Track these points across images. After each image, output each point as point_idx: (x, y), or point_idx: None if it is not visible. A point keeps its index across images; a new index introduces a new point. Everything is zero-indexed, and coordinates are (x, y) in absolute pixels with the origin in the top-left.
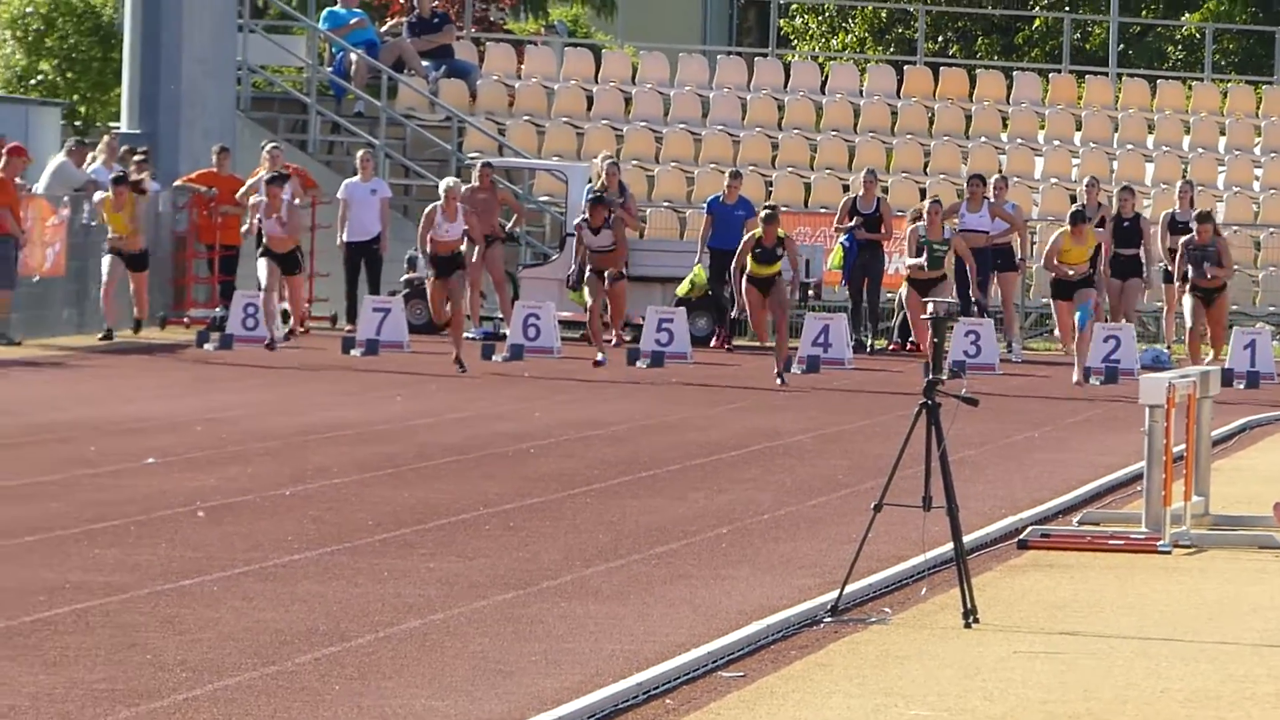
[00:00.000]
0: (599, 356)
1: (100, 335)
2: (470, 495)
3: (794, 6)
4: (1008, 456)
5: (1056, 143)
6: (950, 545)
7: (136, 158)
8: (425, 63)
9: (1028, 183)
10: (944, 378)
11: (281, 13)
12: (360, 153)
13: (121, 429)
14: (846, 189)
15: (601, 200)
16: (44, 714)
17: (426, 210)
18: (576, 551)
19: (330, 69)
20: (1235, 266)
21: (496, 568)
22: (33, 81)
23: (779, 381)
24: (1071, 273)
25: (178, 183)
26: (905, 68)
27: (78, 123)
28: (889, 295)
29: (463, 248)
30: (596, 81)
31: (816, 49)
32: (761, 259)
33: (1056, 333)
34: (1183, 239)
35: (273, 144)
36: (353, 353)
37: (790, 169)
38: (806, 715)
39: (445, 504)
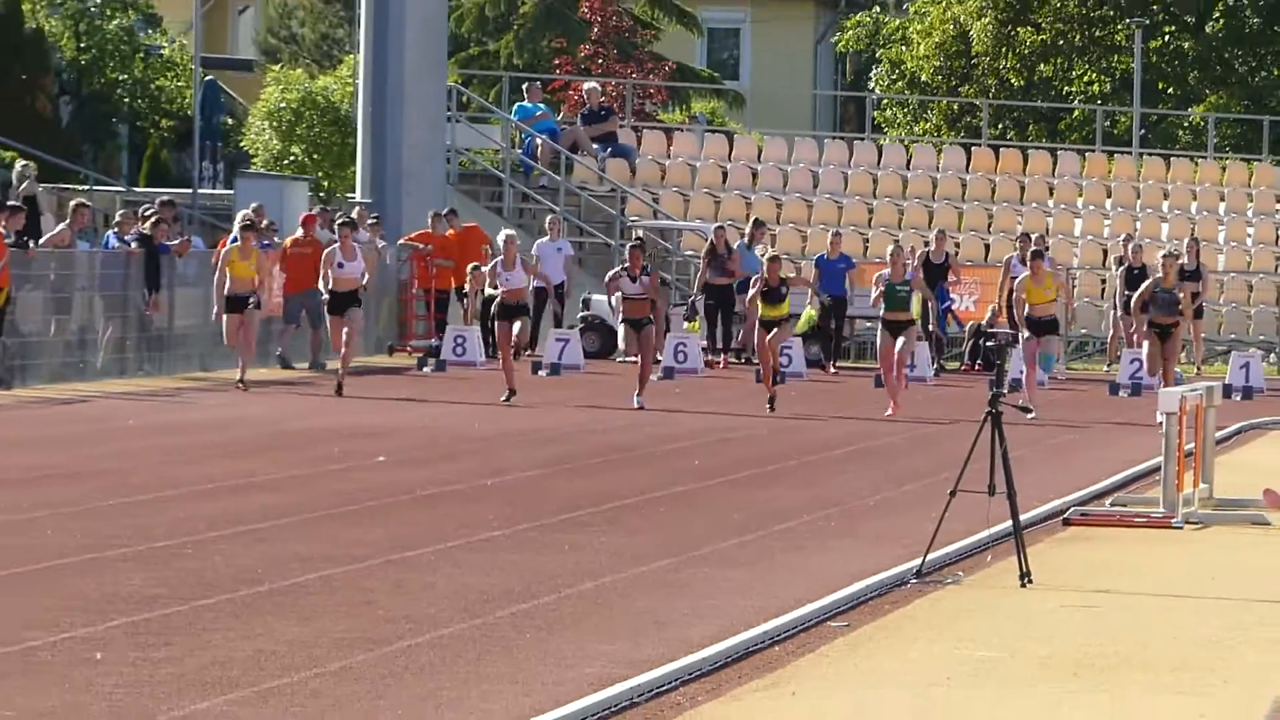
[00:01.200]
0: (638, 403)
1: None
2: (633, 485)
3: (884, 101)
4: (1054, 453)
5: (1091, 207)
6: (1009, 522)
7: (370, 221)
8: (595, 145)
9: (1069, 239)
10: (1004, 392)
11: (481, 106)
12: (549, 217)
13: (358, 434)
14: (926, 244)
15: (639, 247)
16: (298, 657)
17: (490, 265)
18: (716, 529)
19: (520, 151)
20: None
21: (654, 541)
22: (285, 161)
23: (769, 409)
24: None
25: (400, 241)
26: (972, 149)
27: (321, 194)
28: (959, 326)
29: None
30: (730, 160)
31: (902, 134)
32: (769, 298)
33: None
34: (1147, 281)
35: (508, 232)
36: (540, 373)
37: (882, 229)
38: (897, 656)
39: (613, 491)
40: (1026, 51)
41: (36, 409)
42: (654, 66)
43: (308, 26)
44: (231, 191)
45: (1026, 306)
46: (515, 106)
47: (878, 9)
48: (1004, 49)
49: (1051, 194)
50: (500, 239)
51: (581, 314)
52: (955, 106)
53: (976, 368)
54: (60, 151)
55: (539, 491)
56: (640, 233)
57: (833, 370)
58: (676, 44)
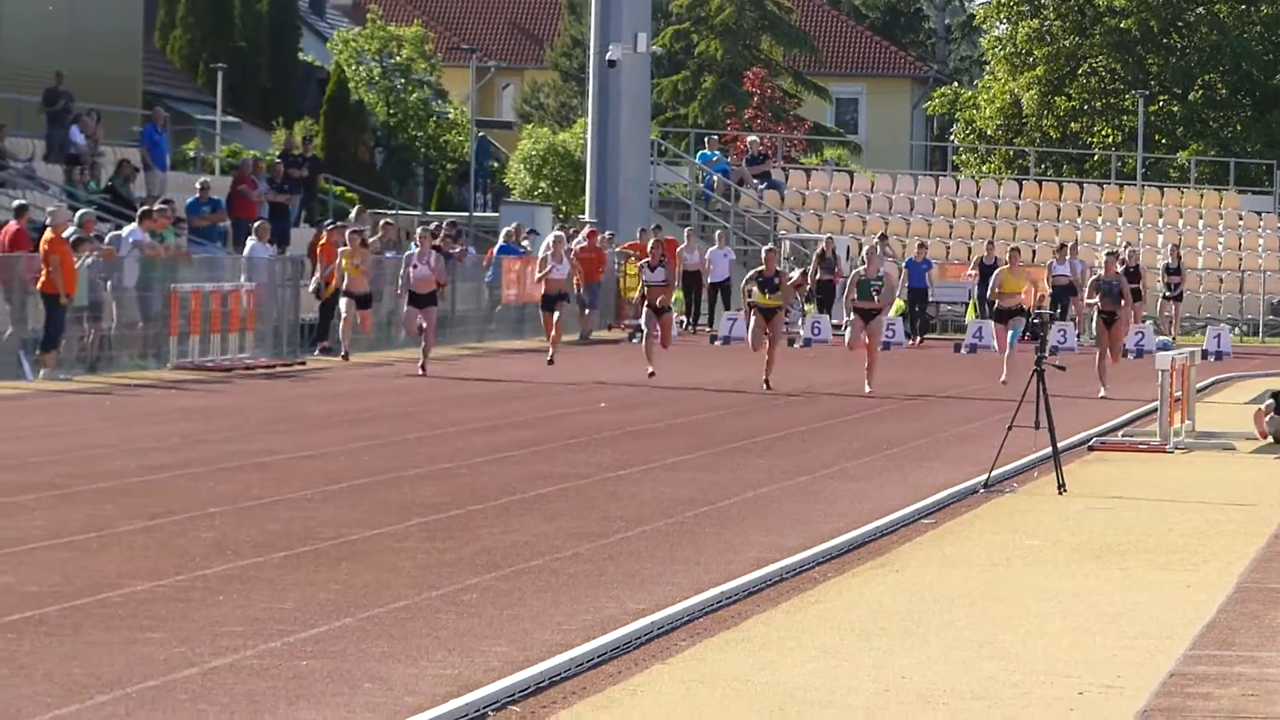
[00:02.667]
0: (650, 370)
1: (341, 355)
2: (779, 423)
3: (960, 149)
4: (1082, 399)
5: (1107, 224)
6: (1050, 448)
7: (608, 233)
8: (755, 181)
9: (1092, 248)
10: (1046, 355)
11: (674, 153)
12: (718, 232)
13: (587, 388)
14: (984, 252)
15: (657, 242)
16: (543, 546)
17: (540, 257)
18: (841, 453)
19: (702, 184)
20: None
21: (796, 463)
22: (535, 193)
23: (765, 387)
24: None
25: (618, 249)
26: (1023, 183)
27: (561, 216)
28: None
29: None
30: (851, 191)
31: (973, 173)
32: (764, 287)
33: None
34: (1093, 276)
35: (557, 233)
36: (715, 343)
37: (958, 239)
38: (969, 543)
39: (765, 428)
40: (1062, 113)
41: (362, 370)
42: (797, 125)
43: (551, 98)
44: (497, 214)
45: (1000, 295)
46: (699, 153)
47: (956, 85)
48: (1046, 111)
49: (1079, 215)
50: (550, 238)
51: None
52: (1011, 152)
53: (1026, 339)
54: (374, 187)
55: (713, 428)
56: (774, 244)
57: (919, 342)
58: (813, 109)
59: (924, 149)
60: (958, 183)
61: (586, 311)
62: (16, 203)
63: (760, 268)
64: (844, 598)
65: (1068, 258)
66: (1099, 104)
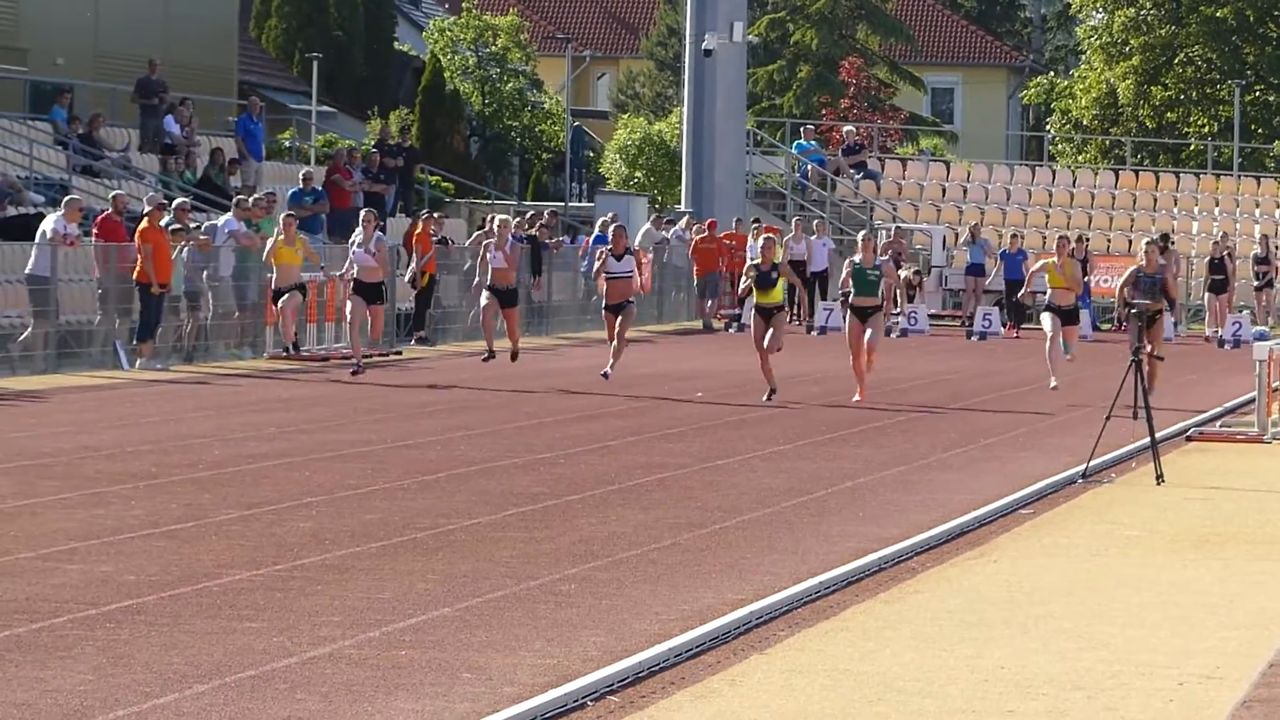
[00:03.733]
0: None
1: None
2: (876, 413)
3: (1056, 138)
4: (1179, 390)
5: (1203, 214)
6: (1148, 439)
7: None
8: (851, 170)
9: (1187, 237)
10: (1143, 344)
11: (770, 143)
12: (816, 221)
13: (684, 376)
14: (1080, 239)
15: (622, 229)
16: (640, 536)
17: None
18: (937, 444)
19: (798, 174)
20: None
21: (892, 454)
22: (630, 183)
23: (768, 398)
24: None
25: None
26: (1119, 173)
27: (656, 206)
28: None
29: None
30: (947, 181)
31: (1069, 163)
32: (760, 282)
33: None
34: (1131, 268)
35: (619, 224)
36: (812, 334)
37: (1054, 229)
38: (1068, 534)
39: (861, 418)
40: (1158, 103)
41: (453, 359)
42: (893, 114)
43: (646, 88)
44: (592, 204)
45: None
46: (795, 143)
47: (1052, 74)
48: (1142, 101)
49: (1175, 204)
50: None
51: (842, 290)
52: (1107, 143)
53: (1123, 329)
54: (470, 177)
55: (810, 418)
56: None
57: (1015, 334)
58: (909, 99)
59: (1020, 139)
60: (1053, 172)
61: (709, 302)
62: (114, 193)
63: (756, 260)
64: (942, 588)
65: (1160, 260)
66: (1195, 94)
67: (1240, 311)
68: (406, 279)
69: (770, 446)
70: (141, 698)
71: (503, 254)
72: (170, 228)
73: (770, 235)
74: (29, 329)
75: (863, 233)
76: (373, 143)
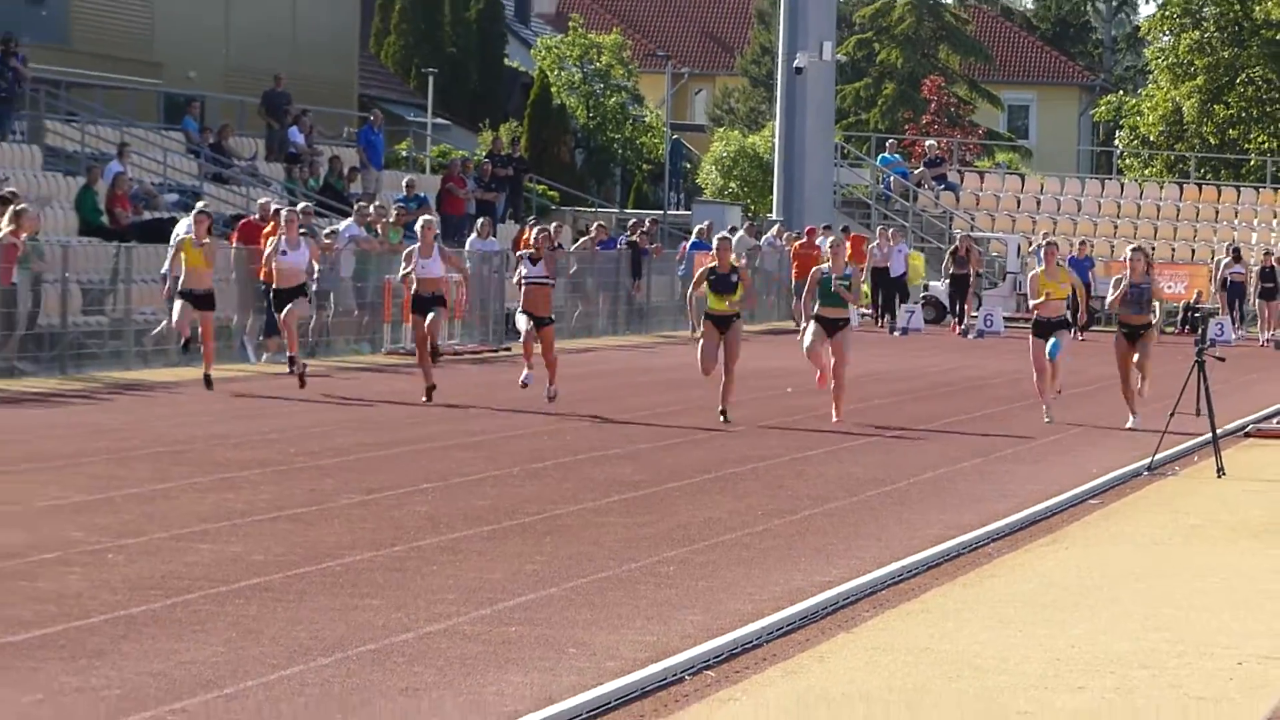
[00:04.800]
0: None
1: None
2: (954, 409)
3: (1124, 153)
4: (1238, 389)
5: (1263, 226)
6: (1209, 434)
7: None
8: (932, 182)
9: (1249, 246)
10: (1206, 346)
11: (856, 156)
12: (891, 230)
13: (775, 374)
14: (1152, 249)
15: (543, 230)
16: (734, 522)
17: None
18: (1011, 438)
19: (882, 185)
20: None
21: (971, 447)
22: (725, 192)
23: (722, 419)
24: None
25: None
26: (1184, 186)
27: (750, 214)
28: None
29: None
30: (1021, 193)
31: (1137, 176)
32: (716, 286)
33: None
34: (1117, 277)
35: (724, 235)
36: (894, 334)
37: (1122, 239)
38: (1134, 523)
39: (940, 414)
40: (1220, 120)
41: (564, 357)
42: (971, 130)
43: (741, 103)
44: (690, 212)
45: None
46: (879, 156)
47: (1121, 92)
48: (1205, 118)
49: (1236, 216)
50: (715, 240)
51: (923, 294)
52: (1172, 158)
53: (1186, 331)
54: (575, 186)
55: (892, 413)
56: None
57: (1081, 338)
58: (987, 115)
59: (1090, 153)
60: (1122, 185)
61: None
62: (261, 199)
63: (713, 263)
64: (1017, 572)
65: (1238, 267)
66: (1255, 112)
67: None
68: (514, 281)
69: (855, 440)
70: (269, 669)
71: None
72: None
73: (726, 236)
74: (163, 324)
75: (831, 239)
76: (484, 153)
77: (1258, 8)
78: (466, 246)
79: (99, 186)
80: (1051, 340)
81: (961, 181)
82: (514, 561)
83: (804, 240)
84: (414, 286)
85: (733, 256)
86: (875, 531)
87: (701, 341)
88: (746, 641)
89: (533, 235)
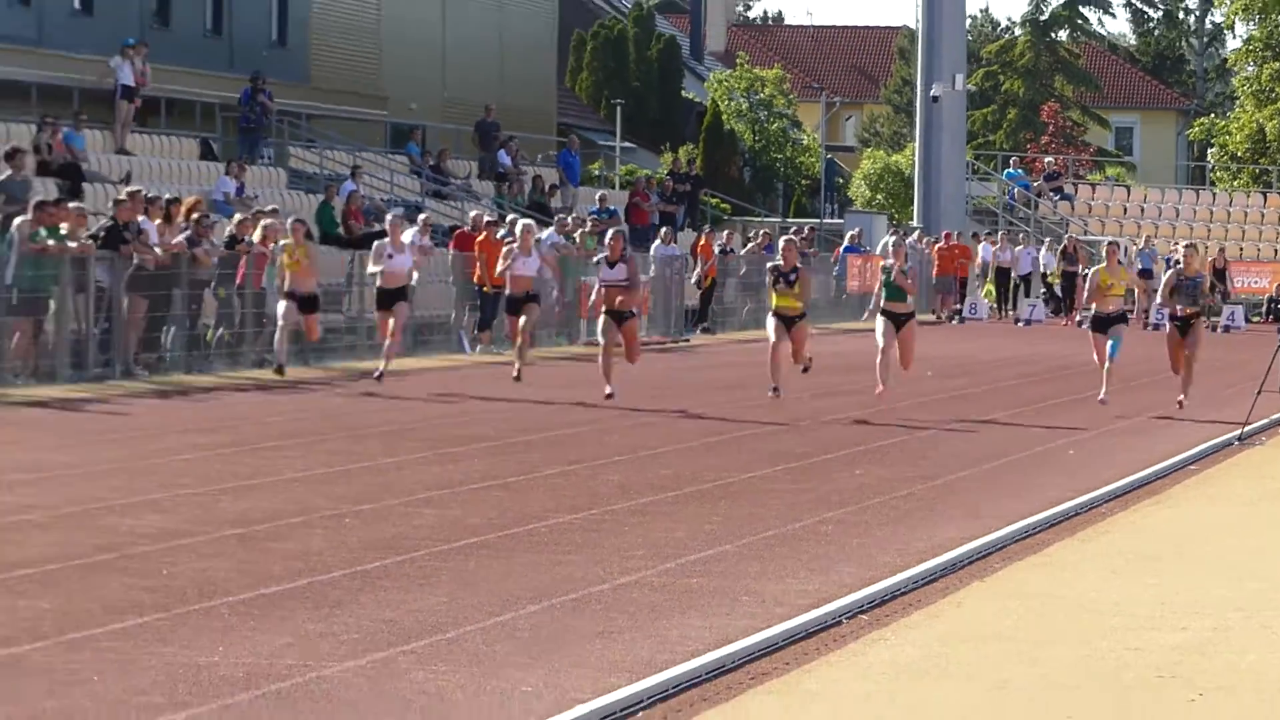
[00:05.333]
0: (608, 391)
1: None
2: (1074, 387)
3: (1215, 168)
4: None
5: None
6: None
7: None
8: (1050, 193)
9: None
10: None
11: (985, 172)
12: (1020, 234)
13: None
14: (1220, 250)
15: (617, 233)
16: (883, 487)
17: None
18: (1117, 416)
19: (1007, 197)
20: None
21: (1084, 420)
22: (873, 203)
23: (773, 393)
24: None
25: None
26: (1267, 194)
27: (894, 222)
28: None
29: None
30: (1128, 202)
31: (1227, 187)
32: (779, 284)
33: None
34: (1169, 271)
35: (892, 239)
36: (1019, 325)
37: (1214, 241)
38: (1227, 486)
39: (1062, 392)
40: None
41: (730, 345)
42: (1084, 148)
43: (885, 127)
44: (842, 221)
45: (1099, 298)
46: (1005, 171)
47: (1212, 115)
48: None
49: None
50: (519, 226)
51: (1042, 290)
52: (1256, 171)
53: (1270, 320)
54: (743, 199)
55: (1017, 393)
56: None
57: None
58: (1097, 135)
59: (1186, 168)
60: (1214, 195)
61: (943, 297)
62: (473, 213)
63: (778, 261)
64: (1127, 529)
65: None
66: None
67: None
68: (693, 281)
69: (990, 414)
70: (485, 616)
71: (536, 258)
72: (505, 239)
73: (792, 237)
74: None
75: (893, 238)
76: (665, 172)
77: None
78: (651, 252)
79: (335, 202)
80: (1111, 341)
81: (1076, 192)
82: (694, 522)
83: (943, 244)
84: (507, 287)
85: (895, 260)
86: (1003, 495)
87: (772, 335)
88: (895, 590)
89: (608, 238)
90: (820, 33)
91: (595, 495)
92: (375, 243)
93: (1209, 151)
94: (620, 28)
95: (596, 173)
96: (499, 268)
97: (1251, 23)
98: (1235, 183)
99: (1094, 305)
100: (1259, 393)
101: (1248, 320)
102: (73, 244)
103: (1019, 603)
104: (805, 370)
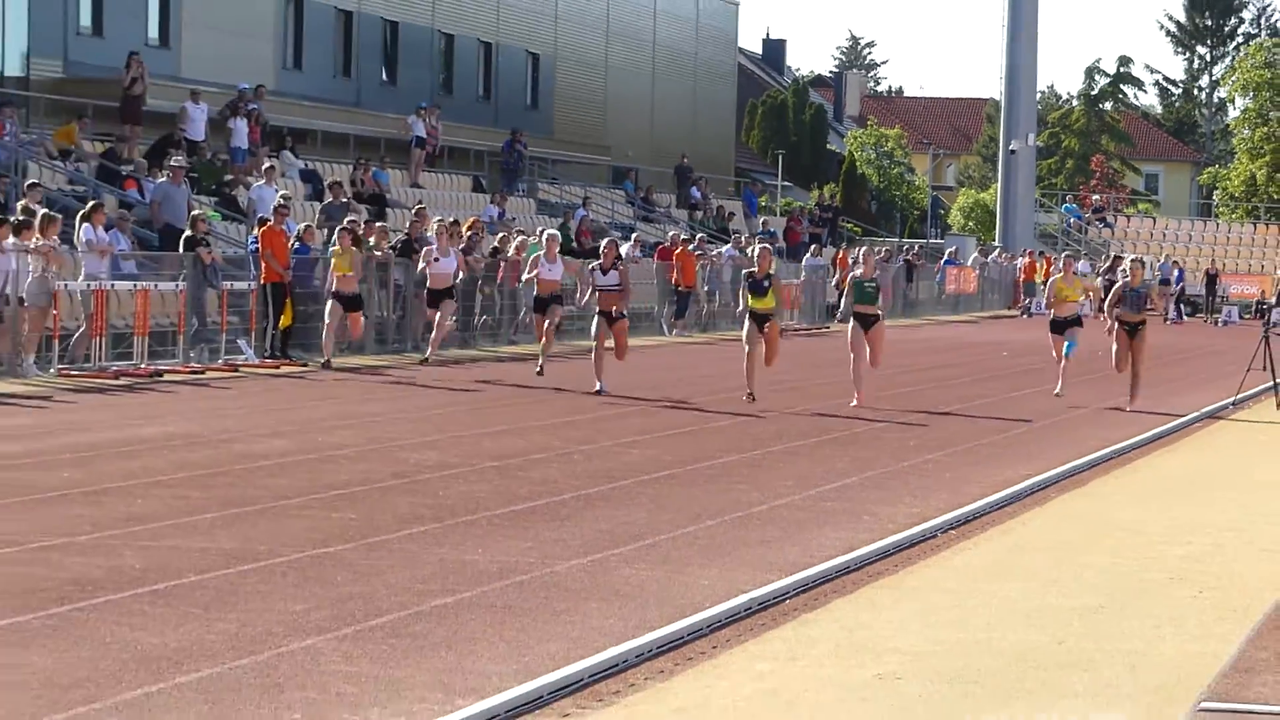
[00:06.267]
0: (597, 386)
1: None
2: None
3: (1219, 204)
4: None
5: None
6: (1270, 383)
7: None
8: (1097, 222)
9: None
10: (1271, 325)
11: (1048, 206)
12: (1065, 254)
13: (996, 343)
14: (1236, 266)
15: (611, 242)
16: (965, 437)
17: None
18: (1140, 389)
19: (1065, 224)
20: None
21: (1111, 394)
22: (965, 228)
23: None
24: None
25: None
26: (1256, 224)
27: (980, 242)
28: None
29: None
30: (1154, 229)
31: (1228, 219)
32: (753, 289)
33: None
34: (1117, 284)
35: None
36: (1023, 316)
37: (1217, 259)
38: (1223, 442)
39: (1095, 370)
40: None
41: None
42: (1122, 189)
43: (976, 172)
44: (943, 241)
45: (1055, 303)
46: (1063, 205)
47: (1217, 165)
48: (1271, 183)
49: None
50: (545, 235)
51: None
52: (1249, 207)
53: (1257, 316)
54: (871, 224)
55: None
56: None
57: (1180, 324)
58: (1132, 180)
59: (1197, 204)
60: (1217, 225)
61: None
62: (671, 233)
63: (753, 269)
64: (1149, 470)
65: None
66: None
67: None
68: (833, 284)
69: (1047, 386)
70: (674, 528)
71: (560, 265)
72: (695, 252)
73: (766, 246)
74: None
75: (863, 249)
76: (814, 204)
77: None
78: (803, 263)
79: (570, 224)
80: (1067, 342)
81: (1115, 222)
82: (828, 461)
83: (1026, 259)
84: (535, 288)
85: (864, 268)
86: (1051, 445)
87: (747, 332)
88: (977, 512)
89: (602, 247)
90: (930, 102)
91: (756, 440)
92: (424, 247)
93: (1214, 193)
94: (782, 98)
95: (764, 204)
96: (525, 274)
97: (1247, 98)
98: (1233, 216)
99: (1052, 310)
100: (1248, 370)
101: (1240, 317)
102: (378, 253)
103: (1069, 523)
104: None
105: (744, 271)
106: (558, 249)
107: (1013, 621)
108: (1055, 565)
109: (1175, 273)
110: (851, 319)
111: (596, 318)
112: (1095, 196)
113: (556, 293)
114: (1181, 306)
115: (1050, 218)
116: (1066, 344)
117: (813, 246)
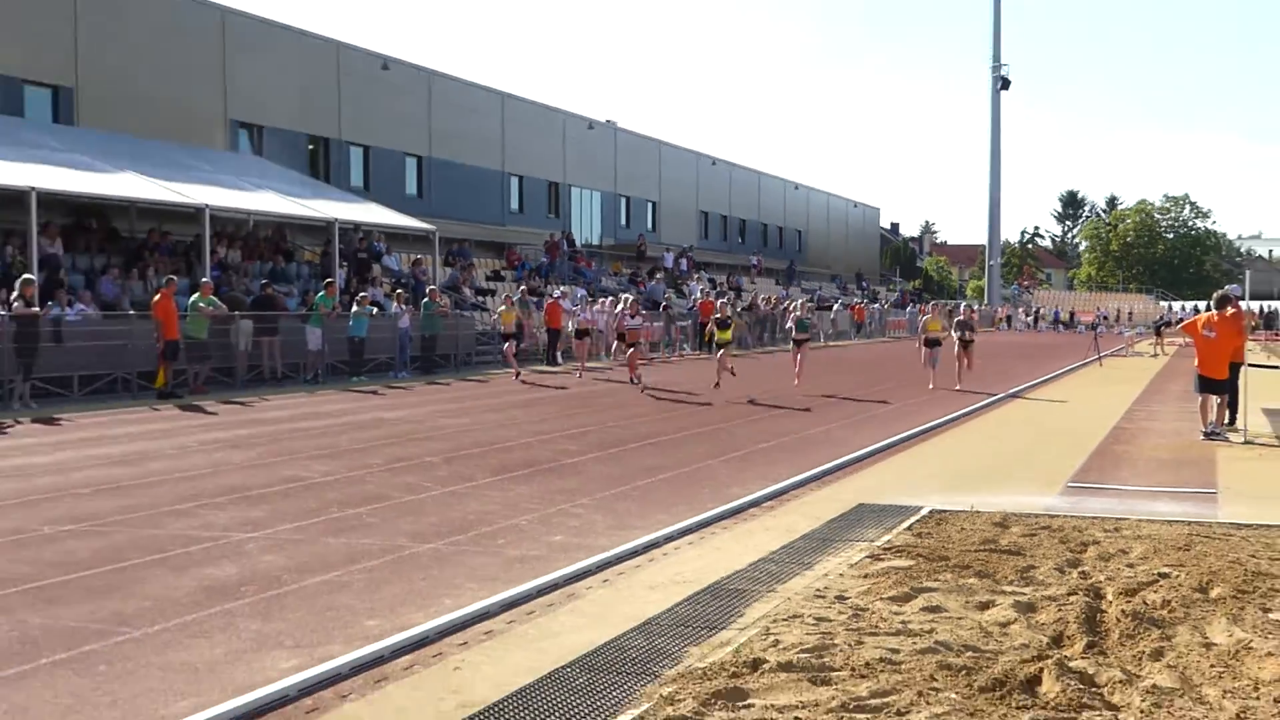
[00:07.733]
0: (633, 377)
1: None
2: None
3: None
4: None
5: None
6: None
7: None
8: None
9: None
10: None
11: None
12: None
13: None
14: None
15: (636, 299)
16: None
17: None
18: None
19: (1013, 293)
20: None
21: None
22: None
23: (715, 384)
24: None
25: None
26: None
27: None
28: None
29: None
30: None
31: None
32: (720, 325)
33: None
34: (958, 318)
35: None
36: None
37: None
38: (1049, 396)
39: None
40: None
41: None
42: (1035, 279)
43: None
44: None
45: (925, 332)
46: (1012, 285)
47: (1074, 270)
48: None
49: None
50: (718, 302)
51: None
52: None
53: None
54: (933, 295)
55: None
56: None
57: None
58: (1040, 275)
59: (1067, 281)
60: (1075, 293)
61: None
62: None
63: (717, 315)
64: (999, 414)
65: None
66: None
67: None
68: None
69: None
70: (759, 484)
71: (639, 319)
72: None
73: (726, 301)
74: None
75: (802, 299)
76: (911, 288)
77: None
78: (906, 310)
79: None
80: (934, 356)
81: (1034, 292)
82: (873, 431)
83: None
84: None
85: (801, 311)
86: (923, 417)
87: (720, 355)
88: (835, 468)
89: (629, 302)
90: (957, 247)
91: (824, 421)
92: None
93: (1074, 279)
94: (898, 245)
95: (891, 289)
96: (616, 327)
97: (1087, 242)
98: (1083, 288)
99: (923, 335)
100: (1083, 364)
101: (1085, 330)
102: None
103: (975, 433)
104: (732, 373)
105: (714, 315)
106: (639, 308)
107: (952, 463)
108: (999, 426)
109: (1055, 312)
110: (792, 344)
111: (617, 343)
112: (1025, 282)
113: (638, 340)
114: (1059, 324)
115: (1007, 290)
116: (934, 358)
117: (909, 304)
